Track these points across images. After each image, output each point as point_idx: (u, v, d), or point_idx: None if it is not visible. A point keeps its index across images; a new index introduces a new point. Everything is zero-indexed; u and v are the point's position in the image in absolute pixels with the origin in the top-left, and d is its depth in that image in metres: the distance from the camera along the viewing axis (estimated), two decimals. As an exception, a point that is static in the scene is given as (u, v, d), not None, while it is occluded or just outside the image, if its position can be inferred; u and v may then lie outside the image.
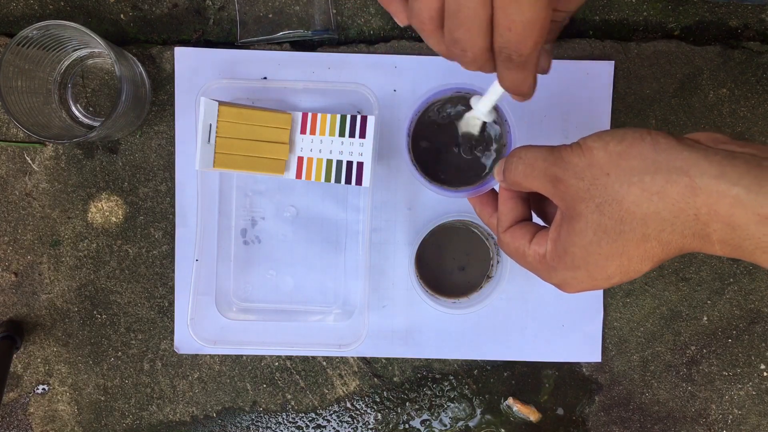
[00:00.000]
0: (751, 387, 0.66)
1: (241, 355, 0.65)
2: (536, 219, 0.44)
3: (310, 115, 0.57)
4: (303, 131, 0.57)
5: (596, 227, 0.36)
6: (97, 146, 0.63)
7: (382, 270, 0.64)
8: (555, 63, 0.62)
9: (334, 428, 0.66)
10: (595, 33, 0.64)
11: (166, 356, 0.64)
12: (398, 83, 0.63)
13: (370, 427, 0.66)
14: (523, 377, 0.66)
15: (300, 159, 0.57)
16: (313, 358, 0.65)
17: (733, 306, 0.65)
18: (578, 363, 0.66)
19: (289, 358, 0.65)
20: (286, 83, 0.61)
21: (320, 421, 0.65)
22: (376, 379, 0.65)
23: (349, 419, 0.66)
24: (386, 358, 0.65)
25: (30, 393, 0.64)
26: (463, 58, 0.37)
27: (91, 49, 0.61)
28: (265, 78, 0.62)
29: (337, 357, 0.65)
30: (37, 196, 0.63)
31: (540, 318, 0.65)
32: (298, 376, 0.65)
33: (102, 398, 0.65)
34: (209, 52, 0.62)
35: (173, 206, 0.63)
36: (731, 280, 0.65)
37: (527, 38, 0.34)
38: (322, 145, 0.57)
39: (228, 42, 0.63)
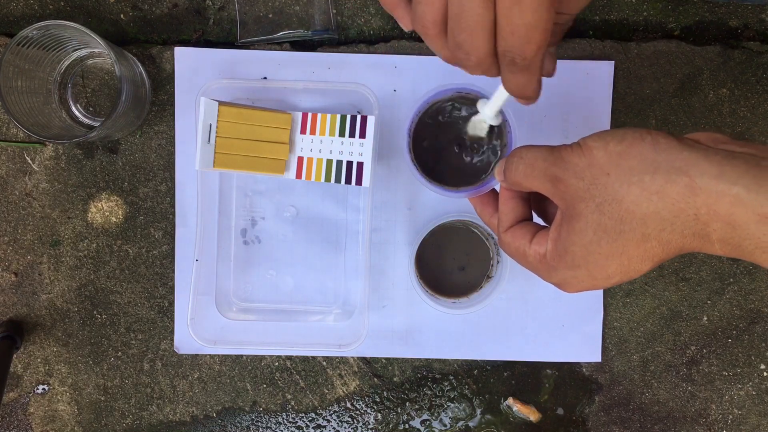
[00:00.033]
0: (751, 387, 0.66)
1: (241, 355, 0.65)
2: (537, 219, 0.44)
3: (310, 115, 0.57)
4: (303, 131, 0.57)
5: (596, 227, 0.36)
6: (97, 146, 0.63)
7: (382, 270, 0.64)
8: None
9: (334, 428, 0.66)
10: (595, 33, 0.64)
11: (166, 356, 0.64)
12: (398, 83, 0.63)
13: (370, 427, 0.66)
14: (523, 377, 0.66)
15: (300, 159, 0.57)
16: (313, 358, 0.65)
17: (733, 306, 0.65)
18: (578, 363, 0.66)
19: (289, 358, 0.65)
20: (286, 83, 0.61)
21: (320, 421, 0.65)
22: (376, 379, 0.65)
23: (349, 419, 0.66)
24: (386, 358, 0.65)
25: (30, 393, 0.64)
26: (466, 62, 0.37)
27: (91, 49, 0.61)
28: (265, 78, 0.62)
29: (337, 357, 0.65)
30: (37, 196, 0.63)
31: (540, 318, 0.65)
32: (298, 376, 0.65)
33: (102, 398, 0.65)
34: (209, 52, 0.62)
35: (173, 206, 0.63)
36: (731, 280, 0.65)
37: (531, 42, 0.34)
38: (322, 145, 0.57)
39: (228, 42, 0.63)
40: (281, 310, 0.64)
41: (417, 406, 0.66)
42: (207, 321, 0.62)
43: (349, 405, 0.65)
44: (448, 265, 0.63)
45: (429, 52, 0.63)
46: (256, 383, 0.65)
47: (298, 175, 0.58)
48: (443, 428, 0.66)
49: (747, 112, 0.64)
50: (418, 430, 0.66)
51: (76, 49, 0.60)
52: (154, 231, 0.64)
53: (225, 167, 0.56)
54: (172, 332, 0.64)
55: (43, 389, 0.64)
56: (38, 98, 0.59)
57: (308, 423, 0.65)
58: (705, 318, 0.66)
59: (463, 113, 0.51)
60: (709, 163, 0.33)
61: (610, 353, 0.65)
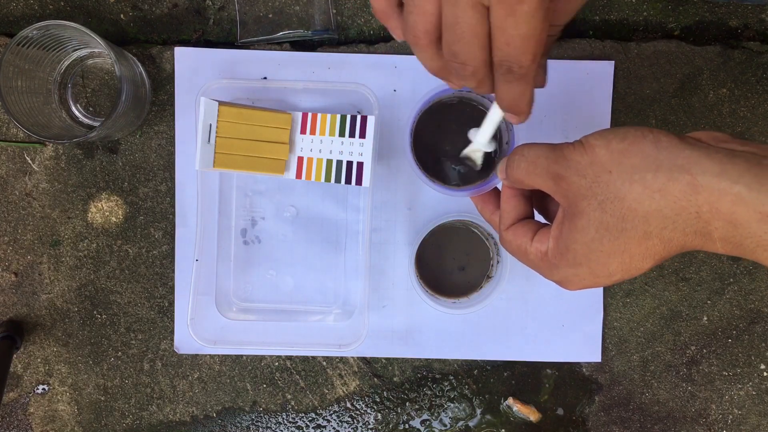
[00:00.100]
0: (751, 387, 0.66)
1: (241, 355, 0.65)
2: (538, 217, 0.44)
3: (310, 115, 0.57)
4: (303, 131, 0.57)
5: (598, 224, 0.36)
6: (97, 146, 0.63)
7: (382, 270, 0.64)
8: (555, 63, 0.62)
9: (334, 428, 0.66)
10: (595, 33, 0.65)
11: (166, 356, 0.64)
12: (398, 83, 0.63)
13: (370, 427, 0.66)
14: (523, 377, 0.66)
15: (300, 159, 0.57)
16: (313, 358, 0.65)
17: (733, 306, 0.65)
18: (578, 363, 0.66)
19: (289, 358, 0.65)
20: (286, 83, 0.61)
21: (320, 421, 0.65)
22: (376, 379, 0.65)
23: (349, 419, 0.65)
24: (386, 358, 0.65)
25: (30, 393, 0.64)
26: (462, 72, 0.36)
27: (91, 49, 0.60)
28: (265, 78, 0.62)
29: (337, 357, 0.65)
30: (37, 196, 0.63)
31: (540, 318, 0.65)
32: (298, 376, 0.65)
33: (102, 398, 0.65)
34: (209, 52, 0.62)
35: (173, 206, 0.63)
36: (731, 280, 0.65)
37: (526, 52, 0.34)
38: (322, 145, 0.57)
39: (228, 42, 0.63)
40: (281, 310, 0.64)
41: (417, 406, 0.66)
42: (207, 321, 0.62)
43: (349, 405, 0.65)
44: (448, 265, 0.63)
45: (429, 52, 0.63)
46: (256, 383, 0.65)
47: (298, 175, 0.58)
48: (443, 428, 0.66)
49: (747, 112, 0.64)
50: (418, 430, 0.66)
51: (76, 49, 0.60)
52: (154, 231, 0.64)
53: (225, 167, 0.56)
54: (172, 332, 0.64)
55: (43, 389, 0.64)
56: (38, 98, 0.58)
57: (308, 423, 0.65)
58: (705, 318, 0.66)
59: (465, 112, 0.51)
60: (710, 161, 0.33)
61: (610, 353, 0.65)
